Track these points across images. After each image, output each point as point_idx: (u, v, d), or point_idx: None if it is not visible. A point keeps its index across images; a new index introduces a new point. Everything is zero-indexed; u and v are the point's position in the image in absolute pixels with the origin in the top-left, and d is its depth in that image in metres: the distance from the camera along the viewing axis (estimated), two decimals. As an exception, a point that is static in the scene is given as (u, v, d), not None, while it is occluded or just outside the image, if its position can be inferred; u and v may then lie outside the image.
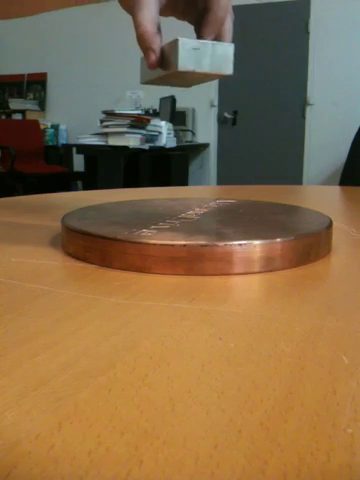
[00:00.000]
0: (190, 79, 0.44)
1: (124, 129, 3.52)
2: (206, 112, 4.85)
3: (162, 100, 4.17)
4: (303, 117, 4.53)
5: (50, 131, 5.32)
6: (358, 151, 1.27)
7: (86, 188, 4.20)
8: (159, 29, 0.42)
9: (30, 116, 5.36)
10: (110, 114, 3.63)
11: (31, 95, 5.67)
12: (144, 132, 3.63)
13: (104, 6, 4.93)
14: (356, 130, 1.29)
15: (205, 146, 4.88)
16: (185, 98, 4.31)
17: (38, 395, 0.20)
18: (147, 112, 4.32)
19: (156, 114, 4.22)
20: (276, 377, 0.22)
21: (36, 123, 5.00)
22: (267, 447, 0.17)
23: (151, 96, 4.47)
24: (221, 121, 4.84)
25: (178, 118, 4.34)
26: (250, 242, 0.38)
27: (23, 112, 5.41)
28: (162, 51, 0.42)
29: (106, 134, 3.60)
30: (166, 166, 4.00)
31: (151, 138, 3.71)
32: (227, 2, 0.42)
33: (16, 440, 0.17)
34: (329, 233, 0.45)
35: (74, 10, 5.25)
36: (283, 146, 4.62)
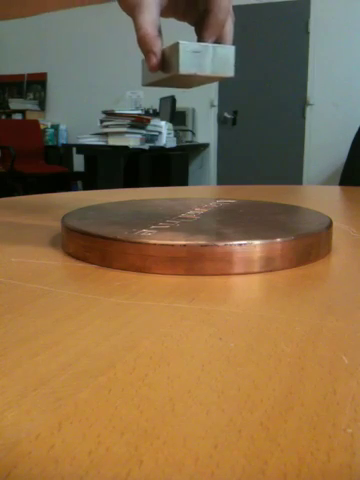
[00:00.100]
0: (191, 81, 0.44)
1: (124, 129, 3.52)
2: (206, 112, 4.85)
3: (162, 100, 4.17)
4: (303, 117, 4.53)
5: (50, 131, 5.32)
6: (358, 151, 1.27)
7: (86, 188, 4.20)
8: (160, 32, 0.42)
9: (30, 116, 5.36)
10: (110, 114, 3.63)
11: (31, 95, 5.67)
12: (144, 132, 3.63)
13: (104, 6, 4.93)
14: (356, 130, 1.29)
15: (205, 146, 4.88)
16: (185, 98, 4.31)
17: (38, 395, 0.20)
18: (147, 112, 4.32)
19: (156, 114, 4.22)
20: (276, 377, 0.22)
21: (36, 123, 5.00)
22: (267, 447, 0.17)
23: (151, 96, 4.47)
24: (221, 121, 4.84)
25: (178, 118, 4.34)
26: (250, 242, 0.38)
27: (23, 112, 5.41)
28: (163, 54, 0.42)
29: (106, 134, 3.60)
30: (166, 166, 4.00)
31: (151, 138, 3.71)
32: (228, 4, 0.42)
33: (16, 440, 0.17)
34: (329, 233, 0.45)
35: (74, 10, 5.25)
36: (283, 146, 4.62)
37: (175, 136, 4.02)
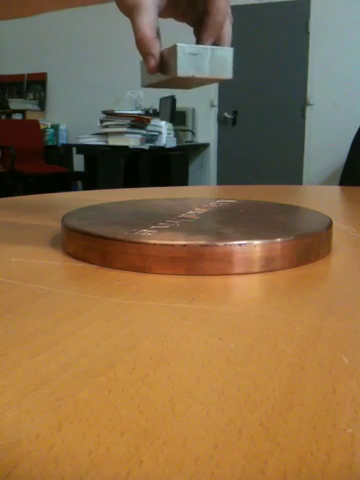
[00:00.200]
0: (190, 83, 0.44)
1: (124, 129, 3.52)
2: (206, 112, 4.85)
3: (162, 100, 4.17)
4: (303, 117, 4.53)
5: (50, 131, 5.32)
6: (358, 151, 1.27)
7: (86, 188, 4.20)
8: (158, 34, 0.42)
9: (30, 116, 5.36)
10: (110, 114, 3.63)
11: (31, 95, 5.66)
12: (144, 132, 3.63)
13: (104, 6, 4.93)
14: (356, 130, 1.29)
15: (205, 146, 4.88)
16: (185, 98, 4.30)
17: (38, 395, 0.20)
18: (147, 112, 4.32)
19: (156, 114, 4.22)
20: (276, 377, 0.22)
21: (36, 123, 5.00)
22: (267, 447, 0.17)
23: (151, 96, 4.47)
24: (221, 121, 4.84)
25: (178, 118, 4.34)
26: (250, 242, 0.38)
27: (23, 112, 5.41)
28: (161, 56, 0.42)
29: (106, 134, 3.60)
30: (166, 166, 4.00)
31: (151, 138, 3.71)
32: (226, 6, 0.42)
33: (16, 440, 0.17)
34: (329, 233, 0.45)
35: (74, 10, 5.25)
36: (283, 146, 4.62)
37: (175, 136, 4.02)
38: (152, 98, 4.28)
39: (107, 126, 3.59)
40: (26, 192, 4.28)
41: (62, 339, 0.26)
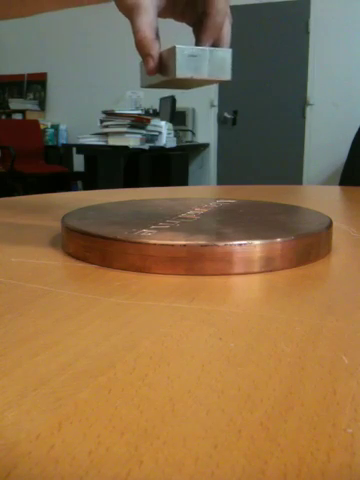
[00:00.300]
0: (189, 83, 0.44)
1: (124, 129, 3.52)
2: (206, 112, 4.85)
3: (162, 100, 4.17)
4: (303, 117, 4.53)
5: (50, 131, 5.32)
6: (358, 151, 1.27)
7: (86, 188, 4.20)
8: (157, 35, 0.42)
9: (30, 116, 5.36)
10: (110, 114, 3.63)
11: (31, 95, 5.66)
12: (144, 132, 3.63)
13: (104, 6, 4.92)
14: (356, 130, 1.29)
15: (205, 146, 4.88)
16: (185, 98, 4.30)
17: (38, 395, 0.20)
18: (147, 112, 4.31)
19: (156, 114, 4.22)
20: (276, 377, 0.22)
21: (36, 123, 5.00)
22: (267, 447, 0.17)
23: (151, 96, 4.47)
24: (221, 121, 4.84)
25: (178, 118, 4.34)
26: (250, 242, 0.38)
27: (23, 112, 5.41)
28: (161, 57, 0.42)
29: (106, 134, 3.60)
30: (166, 166, 4.00)
31: (151, 138, 3.71)
32: (225, 6, 0.42)
33: (16, 440, 0.17)
34: (329, 233, 0.45)
35: (74, 10, 5.25)
36: (283, 146, 4.62)
37: (175, 136, 4.02)
38: (152, 98, 4.27)
39: (107, 126, 3.60)
40: (26, 192, 4.27)
41: (62, 339, 0.26)
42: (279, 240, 0.39)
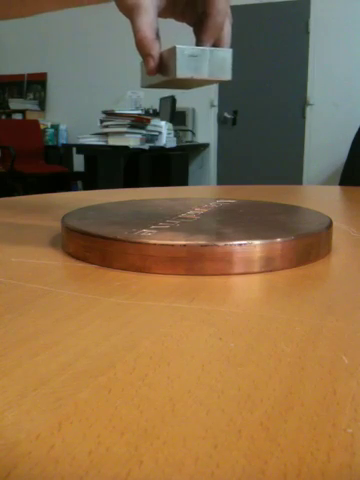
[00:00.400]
0: (189, 83, 0.44)
1: (124, 129, 3.52)
2: (206, 112, 4.85)
3: (162, 100, 4.17)
4: (303, 117, 4.53)
5: (50, 131, 5.32)
6: (358, 151, 1.27)
7: (86, 188, 4.20)
8: (158, 35, 0.42)
9: (30, 116, 5.36)
10: (110, 114, 3.63)
11: (31, 95, 5.66)
12: (144, 132, 3.63)
13: (104, 6, 4.92)
14: (356, 130, 1.29)
15: (205, 146, 4.88)
16: (185, 98, 4.30)
17: (38, 395, 0.20)
18: (147, 112, 4.31)
19: (156, 114, 4.22)
20: (276, 377, 0.22)
21: (36, 123, 5.00)
22: (267, 447, 0.17)
23: (151, 96, 4.47)
24: (221, 121, 4.84)
25: (178, 118, 4.34)
26: (250, 242, 0.38)
27: (23, 112, 5.41)
28: (161, 57, 0.42)
29: (106, 134, 3.60)
30: (166, 166, 4.00)
31: (151, 138, 3.71)
32: (226, 7, 0.42)
33: (16, 440, 0.17)
34: (329, 233, 0.45)
35: (74, 10, 5.25)
36: (283, 146, 4.62)
37: (175, 136, 4.02)
38: (152, 98, 4.27)
39: (107, 126, 3.60)
40: (26, 192, 4.27)
41: (62, 339, 0.26)
42: (279, 240, 0.39)
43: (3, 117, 5.47)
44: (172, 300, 0.32)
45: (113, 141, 3.55)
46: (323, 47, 4.34)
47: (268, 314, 0.30)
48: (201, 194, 0.90)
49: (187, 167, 4.39)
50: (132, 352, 0.24)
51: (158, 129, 3.73)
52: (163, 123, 3.76)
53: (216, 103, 4.81)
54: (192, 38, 0.44)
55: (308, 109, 4.50)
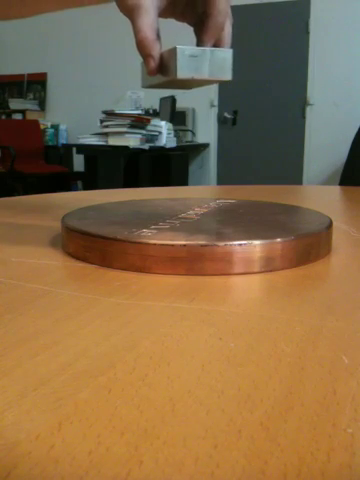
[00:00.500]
0: (190, 84, 0.44)
1: (124, 129, 3.52)
2: (206, 112, 4.85)
3: (162, 100, 4.17)
4: (303, 117, 4.53)
5: (50, 131, 5.32)
6: (358, 151, 1.27)
7: (86, 188, 4.20)
8: (158, 35, 0.42)
9: (30, 116, 5.36)
10: (110, 114, 3.63)
11: (31, 95, 5.66)
12: (144, 132, 3.63)
13: (104, 7, 4.92)
14: (356, 130, 1.29)
15: (205, 146, 4.88)
16: (185, 98, 4.30)
17: (38, 395, 0.20)
18: (147, 112, 4.31)
19: (156, 114, 4.22)
20: (276, 377, 0.22)
21: (36, 123, 5.00)
22: (267, 447, 0.17)
23: (151, 96, 4.47)
24: (221, 121, 4.84)
25: (178, 118, 4.34)
26: (250, 242, 0.38)
27: (23, 112, 5.41)
28: (161, 57, 0.42)
29: (106, 134, 3.60)
30: (166, 166, 4.00)
31: (151, 138, 3.71)
32: (226, 7, 0.42)
33: (16, 440, 0.17)
34: (329, 233, 0.45)
35: (74, 10, 5.25)
36: (283, 146, 4.62)
37: (175, 136, 4.02)
38: (152, 98, 4.28)
39: (107, 126, 3.60)
40: (26, 192, 4.27)
41: (62, 339, 0.26)
42: (279, 240, 0.39)
43: (3, 117, 5.47)
44: (172, 300, 0.32)
45: (113, 141, 3.55)
46: (323, 47, 4.34)
47: (268, 314, 0.30)
48: (201, 194, 0.90)
49: (187, 167, 4.39)
50: (132, 352, 0.24)
51: (158, 129, 3.73)
52: (163, 123, 3.76)
53: (216, 103, 4.81)
54: (193, 38, 0.44)
55: (308, 109, 4.50)
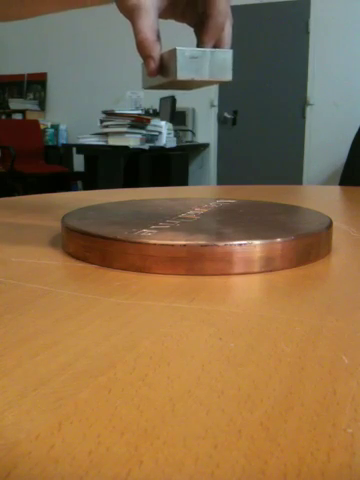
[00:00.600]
0: (190, 84, 0.44)
1: (124, 129, 3.52)
2: (206, 112, 4.85)
3: (162, 100, 4.17)
4: (303, 117, 4.53)
5: (50, 131, 5.32)
6: (358, 151, 1.27)
7: (86, 188, 4.20)
8: (158, 36, 0.42)
9: (30, 116, 5.36)
10: (110, 114, 3.63)
11: (31, 95, 5.66)
12: (144, 132, 3.63)
13: (104, 7, 4.92)
14: (356, 130, 1.29)
15: (205, 146, 4.88)
16: (185, 98, 4.30)
17: (38, 395, 0.20)
18: (147, 112, 4.31)
19: (156, 114, 4.22)
20: (276, 377, 0.22)
21: (36, 123, 5.00)
22: (267, 447, 0.17)
23: (151, 96, 4.47)
24: (221, 121, 4.84)
25: (178, 118, 4.34)
26: (250, 242, 0.38)
27: (23, 112, 5.41)
28: (162, 58, 0.42)
29: (106, 134, 3.60)
30: (166, 166, 4.00)
31: (151, 138, 3.71)
32: (226, 7, 0.42)
33: (16, 440, 0.17)
34: (329, 233, 0.45)
35: (74, 10, 5.25)
36: (283, 146, 4.62)
37: (175, 136, 4.02)
38: (152, 98, 4.28)
39: (107, 126, 3.60)
40: (26, 192, 4.27)
41: (62, 339, 0.26)
42: (279, 240, 0.39)
43: (3, 117, 5.47)
44: (172, 300, 0.32)
45: (113, 141, 3.55)
46: (323, 47, 4.34)
47: (268, 314, 0.30)
48: (201, 194, 0.90)
49: (187, 167, 4.39)
50: (132, 352, 0.24)
51: (158, 129, 3.73)
52: (163, 123, 3.76)
53: (216, 103, 4.81)
54: (193, 39, 0.44)
55: (308, 109, 4.50)
